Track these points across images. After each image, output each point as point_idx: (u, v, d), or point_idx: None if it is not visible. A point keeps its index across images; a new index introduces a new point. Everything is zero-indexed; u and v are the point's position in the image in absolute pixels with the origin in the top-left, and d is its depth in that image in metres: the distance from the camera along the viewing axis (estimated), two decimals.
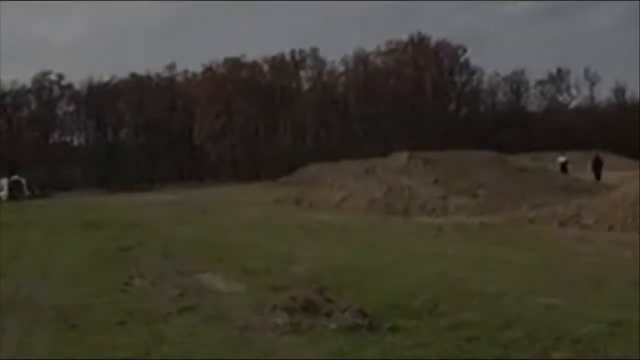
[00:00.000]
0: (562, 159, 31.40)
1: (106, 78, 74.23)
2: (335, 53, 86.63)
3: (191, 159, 69.85)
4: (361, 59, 74.44)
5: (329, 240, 13.17)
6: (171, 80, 75.87)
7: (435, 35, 72.82)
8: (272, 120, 72.68)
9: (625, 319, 5.67)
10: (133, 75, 73.76)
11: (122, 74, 75.24)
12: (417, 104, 70.78)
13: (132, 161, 66.62)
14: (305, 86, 76.92)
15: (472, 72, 74.09)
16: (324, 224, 16.82)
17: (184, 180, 60.19)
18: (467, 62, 73.58)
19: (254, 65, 73.94)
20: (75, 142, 75.87)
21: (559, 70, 75.00)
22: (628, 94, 74.11)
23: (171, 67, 75.42)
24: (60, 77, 72.00)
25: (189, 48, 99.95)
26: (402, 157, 23.32)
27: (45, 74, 71.57)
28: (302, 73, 76.47)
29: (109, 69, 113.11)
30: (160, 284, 8.69)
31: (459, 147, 31.14)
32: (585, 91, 75.60)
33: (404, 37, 73.10)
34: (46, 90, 72.54)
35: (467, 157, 23.65)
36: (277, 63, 74.50)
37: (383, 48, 74.16)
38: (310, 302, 6.68)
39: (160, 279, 8.99)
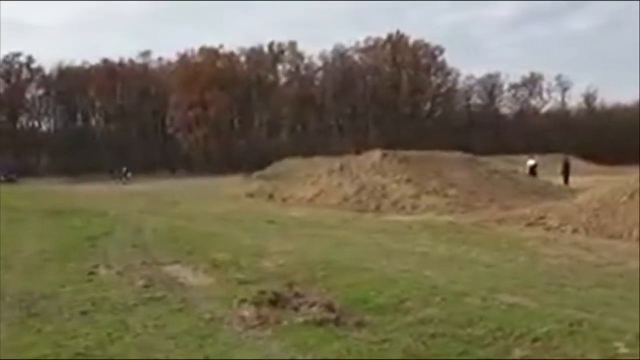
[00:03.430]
0: (531, 162, 31.89)
1: (78, 63, 73.09)
2: (314, 47, 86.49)
3: (163, 149, 69.19)
4: (340, 55, 74.53)
5: (300, 235, 13.18)
6: (145, 67, 74.93)
7: (415, 34, 73.35)
8: (248, 113, 72.47)
9: (584, 319, 5.80)
10: (105, 61, 72.72)
11: (95, 59, 74.23)
12: (393, 102, 71.18)
13: (101, 149, 65.70)
14: (283, 79, 76.75)
15: (448, 73, 74.83)
16: (296, 219, 16.84)
17: (155, 171, 59.60)
18: (443, 63, 74.27)
19: (231, 56, 73.50)
20: (44, 128, 74.56)
21: (532, 75, 76.14)
22: (598, 101, 75.60)
23: (145, 54, 74.60)
24: (30, 59, 70.73)
25: (164, 36, 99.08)
26: (376, 155, 23.43)
27: (15, 56, 70.15)
28: (279, 66, 76.28)
29: (82, 54, 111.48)
30: (126, 274, 8.62)
31: (433, 146, 31.43)
32: (557, 96, 76.92)
33: (383, 35, 73.44)
34: (15, 72, 71.02)
35: (440, 158, 23.88)
36: (254, 55, 74.18)
37: (362, 45, 74.40)
38: (279, 296, 6.70)
39: (127, 270, 8.91)
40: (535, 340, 5.25)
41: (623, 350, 4.97)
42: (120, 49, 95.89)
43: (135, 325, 5.94)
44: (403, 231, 13.91)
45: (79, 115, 74.62)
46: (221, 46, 72.00)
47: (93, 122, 75.25)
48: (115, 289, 7.66)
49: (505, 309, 6.35)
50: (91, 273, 8.65)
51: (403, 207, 18.79)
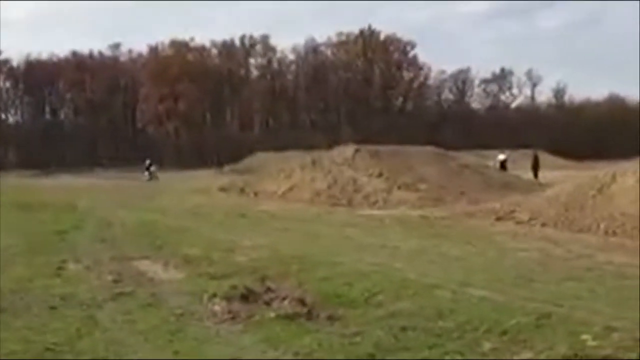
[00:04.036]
0: (501, 156, 32.27)
1: (46, 55, 71.72)
2: (287, 41, 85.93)
3: (133, 143, 68.32)
4: (312, 49, 74.42)
5: (272, 229, 13.15)
6: (115, 60, 73.84)
7: (388, 30, 73.54)
8: (219, 106, 71.98)
9: (552, 312, 5.89)
10: (74, 53, 71.51)
11: (64, 51, 72.90)
12: (365, 97, 71.38)
13: (70, 142, 64.62)
14: (255, 73, 76.35)
15: (420, 68, 75.18)
16: (268, 213, 16.79)
17: (125, 164, 58.81)
18: (415, 58, 74.63)
19: (202, 49, 72.88)
20: (11, 120, 72.98)
21: (503, 70, 77.00)
22: (567, 96, 76.80)
23: (115, 47, 73.53)
24: None
25: (135, 28, 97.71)
26: (348, 149, 23.48)
27: None
28: (251, 60, 75.86)
29: (51, 47, 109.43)
30: (95, 269, 8.51)
31: (405, 141, 31.61)
32: (527, 91, 77.93)
33: (355, 30, 73.50)
34: None
35: (411, 152, 24.04)
36: (226, 48, 73.65)
37: (334, 39, 74.40)
38: (250, 291, 6.69)
39: (96, 264, 8.80)
40: (504, 333, 5.31)
41: (591, 342, 5.05)
42: (90, 41, 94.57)
43: (105, 321, 5.87)
44: (375, 225, 13.98)
45: (47, 108, 73.25)
46: (192, 39, 71.46)
47: (62, 115, 73.97)
48: (84, 284, 7.56)
49: (475, 302, 6.41)
50: (60, 268, 8.52)
51: (375, 202, 18.88)
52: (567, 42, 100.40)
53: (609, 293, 6.83)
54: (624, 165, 14.16)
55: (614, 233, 11.60)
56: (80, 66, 70.54)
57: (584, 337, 5.15)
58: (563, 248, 10.24)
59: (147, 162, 41.77)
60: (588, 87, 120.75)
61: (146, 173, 40.25)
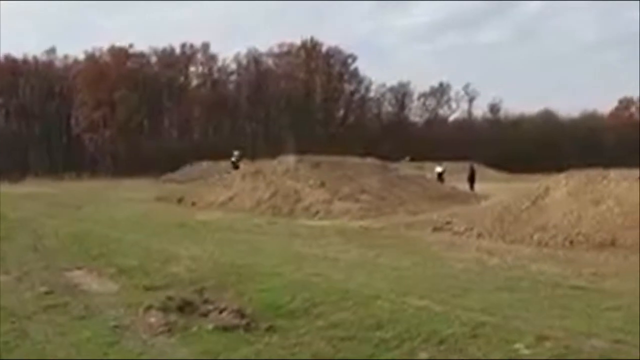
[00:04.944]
0: (439, 169, 32.99)
1: None
2: (228, 50, 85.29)
3: (67, 150, 66.28)
4: (254, 59, 74.23)
5: (211, 239, 12.98)
6: (49, 65, 71.55)
7: (329, 41, 74.15)
8: (158, 115, 70.73)
9: (488, 322, 6.02)
10: (7, 57, 68.91)
11: None
12: (307, 108, 71.67)
13: (2, 149, 62.06)
14: (195, 81, 75.50)
15: (361, 81, 76.11)
16: (207, 223, 16.57)
17: (59, 173, 56.96)
18: (356, 71, 75.52)
19: (141, 56, 71.56)
20: None
21: (441, 84, 78.86)
22: (503, 111, 79.24)
23: (50, 51, 71.25)
24: None
25: (72, 33, 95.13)
26: (290, 159, 23.49)
27: None
28: (192, 68, 75.02)
29: None
30: (26, 280, 8.18)
31: (346, 153, 31.86)
32: (465, 106, 80.00)
33: (297, 41, 73.80)
34: None
35: (352, 164, 24.26)
36: (165, 56, 72.58)
37: (276, 50, 74.47)
38: (187, 303, 6.57)
39: (27, 276, 8.47)
40: (440, 342, 5.40)
41: (524, 351, 5.19)
42: (25, 46, 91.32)
43: (35, 334, 5.65)
44: (316, 236, 13.99)
45: None
46: (131, 46, 70.01)
47: None
48: (14, 295, 7.26)
49: (414, 312, 6.49)
50: None
51: (316, 212, 18.93)
52: (503, 57, 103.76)
53: (541, 302, 7.03)
54: (556, 178, 14.70)
55: (547, 244, 12.01)
56: (13, 70, 68.06)
57: (517, 346, 5.29)
58: (498, 258, 10.51)
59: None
60: (523, 102, 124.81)
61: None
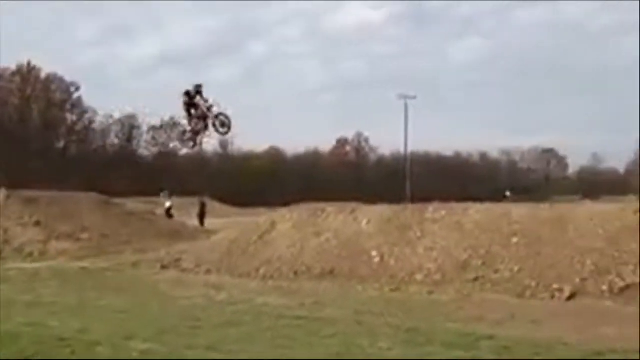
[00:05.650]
0: (167, 204, 32.54)
1: None
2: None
3: None
4: None
5: None
6: None
7: (48, 68, 68.94)
8: None
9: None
10: None
11: None
12: (21, 137, 65.32)
13: None
14: None
15: (85, 111, 72.09)
16: None
17: None
18: (80, 100, 71.36)
19: None
20: None
21: (172, 118, 78.52)
22: (235, 147, 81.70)
23: None
24: None
25: None
26: None
27: None
28: None
29: None
30: None
31: (66, 187, 29.69)
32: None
33: (12, 66, 67.31)
34: None
35: (72, 199, 22.55)
36: None
37: None
38: None
39: None
40: None
41: None
42: None
43: None
44: (29, 279, 12.71)
45: None
46: None
47: None
48: None
49: (138, 356, 6.20)
50: None
51: (30, 254, 17.17)
52: (233, 96, 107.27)
53: (264, 334, 7.24)
54: (281, 211, 15.47)
55: (272, 276, 12.50)
56: None
57: None
58: (225, 293, 10.63)
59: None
60: (252, 139, 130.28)
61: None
